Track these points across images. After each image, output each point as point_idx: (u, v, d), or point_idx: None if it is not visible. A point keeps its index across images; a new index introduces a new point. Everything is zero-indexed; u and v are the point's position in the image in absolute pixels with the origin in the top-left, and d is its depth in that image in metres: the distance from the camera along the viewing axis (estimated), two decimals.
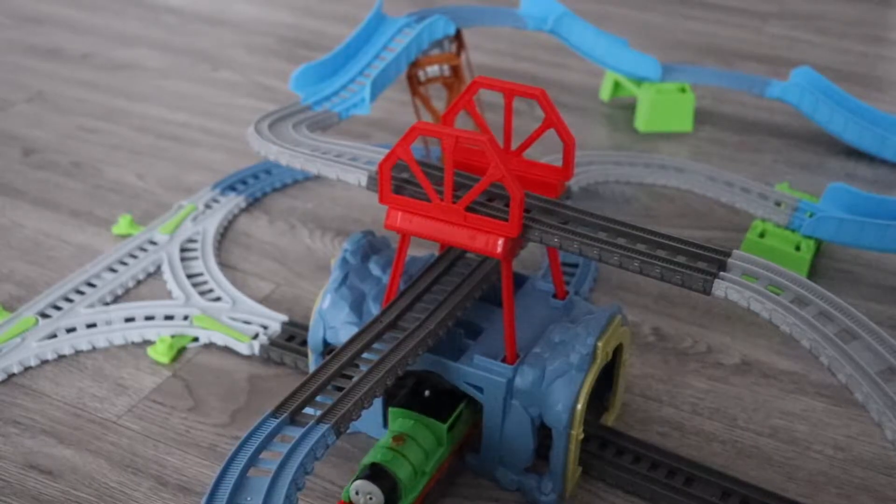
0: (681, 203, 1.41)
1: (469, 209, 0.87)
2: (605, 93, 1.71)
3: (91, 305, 1.16)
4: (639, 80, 1.62)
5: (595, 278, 1.23)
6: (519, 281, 1.02)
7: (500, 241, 0.86)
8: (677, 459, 0.96)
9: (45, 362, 1.09)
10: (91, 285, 1.20)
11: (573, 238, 0.85)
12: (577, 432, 0.90)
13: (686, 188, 1.31)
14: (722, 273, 0.82)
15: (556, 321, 0.96)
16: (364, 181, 0.95)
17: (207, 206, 1.37)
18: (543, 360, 0.90)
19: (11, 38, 1.94)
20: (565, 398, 0.88)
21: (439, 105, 1.47)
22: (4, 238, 1.31)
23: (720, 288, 0.81)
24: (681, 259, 0.83)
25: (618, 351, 0.98)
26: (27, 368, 1.08)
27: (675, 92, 1.60)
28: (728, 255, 0.84)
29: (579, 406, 0.88)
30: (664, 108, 1.59)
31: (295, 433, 0.76)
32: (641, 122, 1.61)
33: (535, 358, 0.91)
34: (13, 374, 1.07)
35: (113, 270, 1.22)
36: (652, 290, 1.22)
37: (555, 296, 1.00)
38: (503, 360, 0.91)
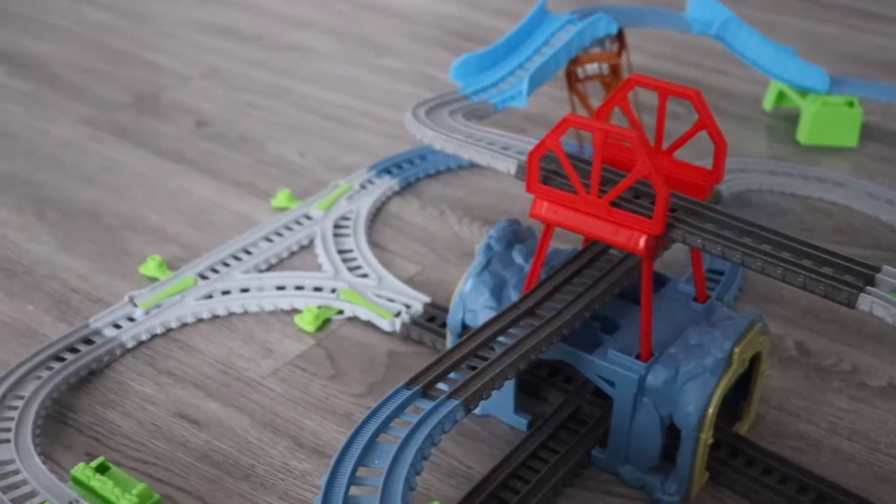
0: (839, 218, 1.37)
1: (614, 204, 0.88)
2: (768, 102, 1.68)
3: (246, 271, 1.22)
4: (804, 92, 1.58)
5: (740, 287, 1.22)
6: (661, 281, 1.03)
7: (643, 238, 0.87)
8: (810, 476, 0.95)
9: (200, 320, 1.15)
10: (248, 252, 1.26)
11: (717, 240, 0.85)
12: (707, 436, 0.90)
13: (844, 203, 1.28)
14: (869, 287, 0.80)
15: (694, 324, 0.95)
16: (513, 169, 0.97)
17: (362, 187, 1.41)
18: (678, 360, 0.91)
19: (193, 17, 2.04)
20: (697, 400, 0.88)
21: (596, 104, 1.47)
22: (174, 202, 1.39)
23: (865, 302, 0.79)
24: (826, 270, 0.82)
25: (755, 360, 0.97)
26: (184, 325, 1.14)
27: (841, 105, 1.56)
28: (878, 270, 0.82)
29: (710, 410, 0.88)
30: (829, 121, 1.55)
31: (425, 405, 0.79)
32: (804, 135, 1.57)
33: (670, 358, 0.91)
34: (171, 329, 1.14)
35: (269, 240, 1.28)
36: (799, 303, 1.20)
37: (695, 299, 1.00)
38: (637, 358, 0.91)
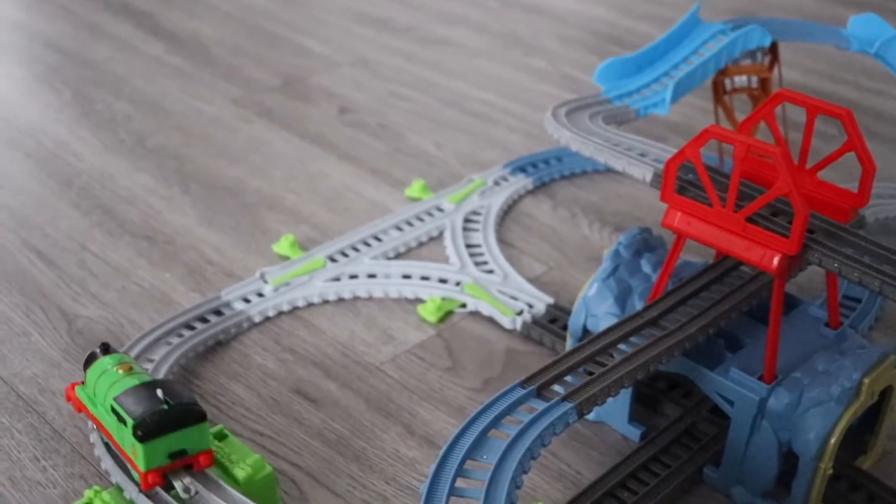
0: None
1: (750, 220, 0.85)
2: None
3: (375, 257, 1.24)
4: None
5: (877, 317, 1.17)
6: (792, 303, 1.00)
7: (777, 257, 0.84)
8: None
9: (326, 301, 1.18)
10: (378, 239, 1.28)
11: (855, 266, 0.82)
12: (826, 466, 0.87)
13: None
14: None
15: (823, 350, 0.92)
16: (649, 176, 0.96)
17: (496, 183, 1.42)
18: (802, 385, 0.88)
19: (348, 6, 2.08)
20: (819, 428, 0.85)
21: (741, 118, 1.44)
22: (312, 184, 1.42)
23: None
24: None
25: (886, 393, 0.93)
26: (310, 304, 1.17)
27: None
28: None
29: (832, 440, 0.85)
30: None
31: (539, 405, 0.79)
32: None
33: (794, 382, 0.88)
34: (297, 308, 1.16)
35: (399, 229, 1.30)
36: None
37: (827, 324, 0.96)
38: (760, 378, 0.89)
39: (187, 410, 0.81)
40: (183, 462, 0.81)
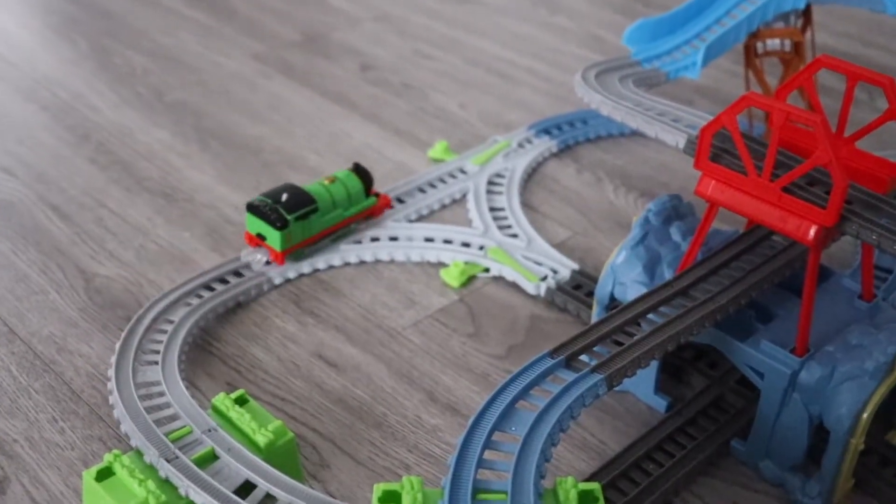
0: None
1: (786, 189, 0.83)
2: None
3: (397, 220, 1.22)
4: None
5: None
6: (824, 274, 0.98)
7: (813, 228, 0.82)
8: None
9: (347, 264, 1.16)
10: (400, 201, 1.26)
11: (893, 237, 0.80)
12: (858, 442, 0.85)
13: None
14: None
15: (856, 323, 0.91)
16: (682, 143, 0.94)
17: (520, 145, 1.40)
18: (835, 359, 0.86)
19: None
20: (851, 403, 0.84)
21: (772, 81, 1.41)
22: (334, 144, 1.40)
23: None
24: None
25: None
26: (331, 266, 1.16)
27: None
28: None
29: (865, 415, 0.84)
30: None
31: (568, 376, 0.77)
32: None
33: (827, 356, 0.87)
34: (318, 270, 1.15)
35: (422, 191, 1.28)
36: None
37: (861, 297, 0.95)
38: (792, 351, 0.87)
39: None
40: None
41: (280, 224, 1.10)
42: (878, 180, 0.88)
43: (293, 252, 1.14)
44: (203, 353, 1.03)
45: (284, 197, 1.12)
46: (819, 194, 0.84)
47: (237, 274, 1.12)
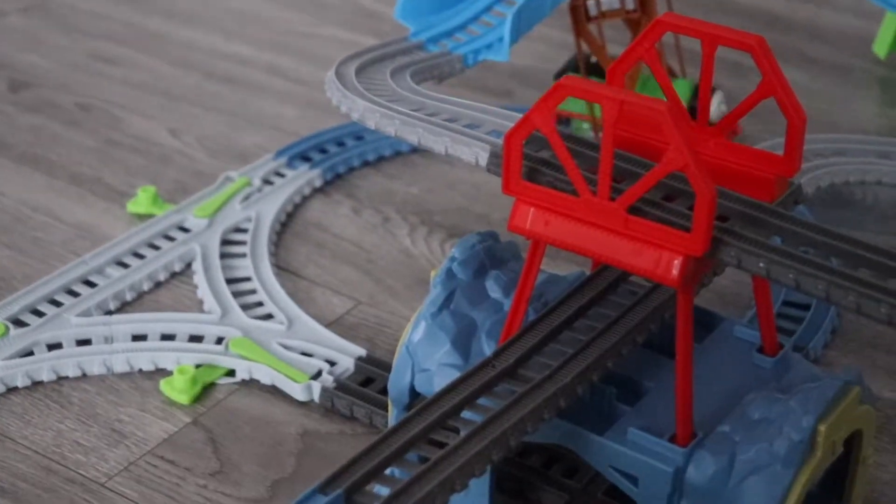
0: None
1: (633, 210, 0.87)
2: (881, 46, 1.67)
3: (86, 313, 1.22)
4: None
5: (834, 329, 1.22)
6: (709, 323, 1.02)
7: (677, 261, 0.86)
8: None
9: (12, 390, 1.15)
10: (90, 284, 1.25)
11: (789, 263, 0.85)
12: None
13: None
14: None
15: (758, 388, 0.95)
16: (483, 159, 0.97)
17: (266, 182, 1.41)
18: (733, 444, 0.90)
19: None
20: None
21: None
22: None
23: None
24: None
25: (854, 441, 0.97)
26: None
27: None
28: None
29: None
30: None
31: None
32: None
33: (721, 440, 0.91)
34: None
35: (123, 265, 1.28)
36: None
37: (761, 349, 1.00)
38: (671, 439, 0.91)
39: None
40: None
41: None
42: (762, 183, 0.93)
43: None
44: None
45: None
46: (681, 212, 0.87)
47: None
